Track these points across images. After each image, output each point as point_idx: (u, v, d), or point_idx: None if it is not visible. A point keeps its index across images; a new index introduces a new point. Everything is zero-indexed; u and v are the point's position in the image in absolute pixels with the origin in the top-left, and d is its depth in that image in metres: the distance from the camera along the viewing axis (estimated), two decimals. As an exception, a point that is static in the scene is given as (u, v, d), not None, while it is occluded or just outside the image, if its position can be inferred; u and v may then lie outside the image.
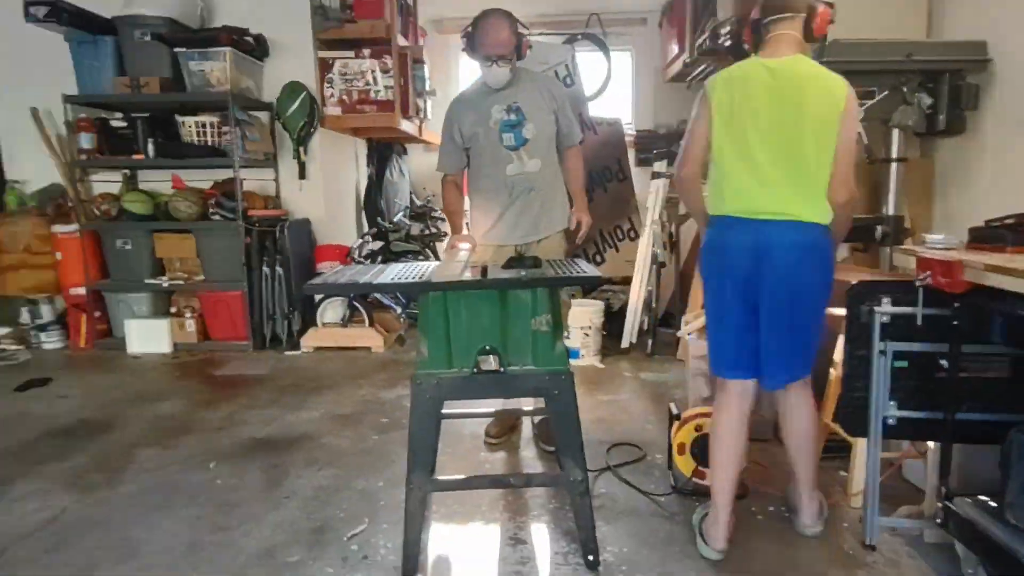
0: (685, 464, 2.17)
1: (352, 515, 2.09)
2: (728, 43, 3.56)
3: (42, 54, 4.31)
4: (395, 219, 4.95)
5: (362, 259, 4.32)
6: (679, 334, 3.06)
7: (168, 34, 4.07)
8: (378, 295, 4.35)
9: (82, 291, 4.25)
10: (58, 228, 4.28)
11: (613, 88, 5.16)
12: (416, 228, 4.98)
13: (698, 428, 2.16)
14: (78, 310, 4.28)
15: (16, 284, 4.32)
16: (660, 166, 4.00)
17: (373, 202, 5.14)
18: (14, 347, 4.25)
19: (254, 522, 2.05)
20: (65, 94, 4.11)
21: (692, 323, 2.75)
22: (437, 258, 4.73)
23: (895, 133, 2.38)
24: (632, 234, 4.50)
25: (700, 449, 2.15)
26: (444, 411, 1.85)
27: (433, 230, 5.02)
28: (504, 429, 2.68)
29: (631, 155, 4.91)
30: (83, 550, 1.91)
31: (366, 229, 5.00)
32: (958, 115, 2.37)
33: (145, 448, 2.64)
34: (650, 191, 3.99)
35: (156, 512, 2.12)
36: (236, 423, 2.92)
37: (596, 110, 4.70)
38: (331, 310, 4.26)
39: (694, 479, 2.16)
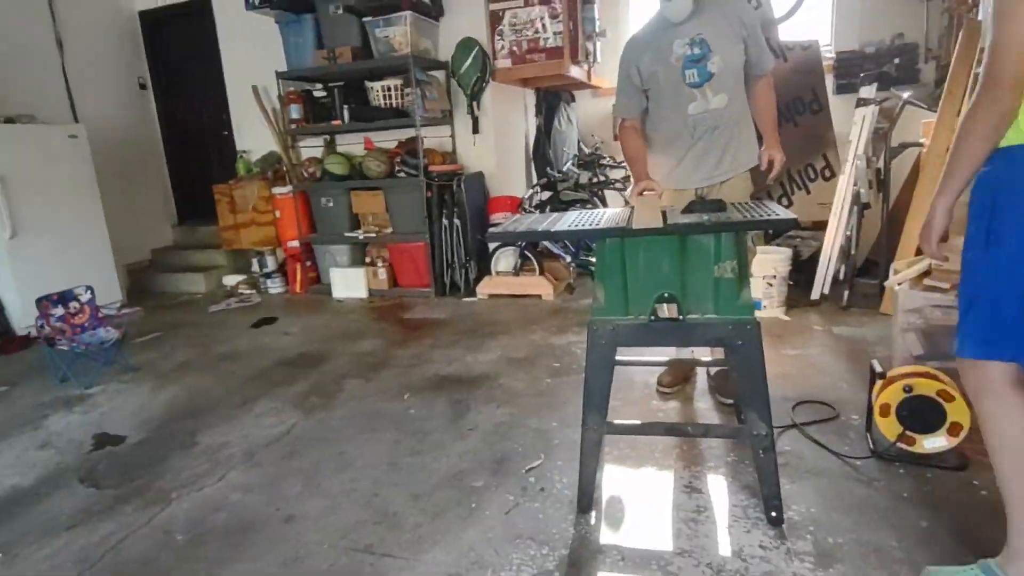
0: (889, 427, 1.94)
1: (529, 450, 2.21)
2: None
3: (259, 37, 4.94)
4: (564, 168, 4.95)
5: (532, 209, 4.42)
6: (887, 284, 2.70)
7: (357, 5, 4.40)
8: (548, 244, 4.44)
9: (296, 244, 4.92)
10: (276, 190, 4.97)
11: (808, 6, 4.53)
12: (584, 177, 4.94)
13: (907, 389, 1.91)
14: (294, 260, 4.98)
15: (248, 239, 5.13)
16: (868, 91, 3.47)
17: (542, 152, 5.19)
18: (248, 291, 5.09)
19: (443, 449, 2.27)
20: (278, 71, 4.67)
21: (904, 271, 2.40)
22: (605, 206, 4.67)
23: None
24: (827, 173, 4.01)
25: (908, 412, 1.91)
26: (617, 357, 1.84)
27: (601, 178, 4.95)
28: (678, 379, 2.62)
29: (829, 82, 4.32)
30: (309, 459, 2.27)
31: (535, 180, 5.08)
32: None
33: (352, 379, 3.03)
34: (854, 121, 3.50)
35: (363, 433, 2.44)
36: (424, 361, 3.21)
37: (787, 34, 4.19)
38: (504, 259, 4.45)
39: (899, 444, 1.93)
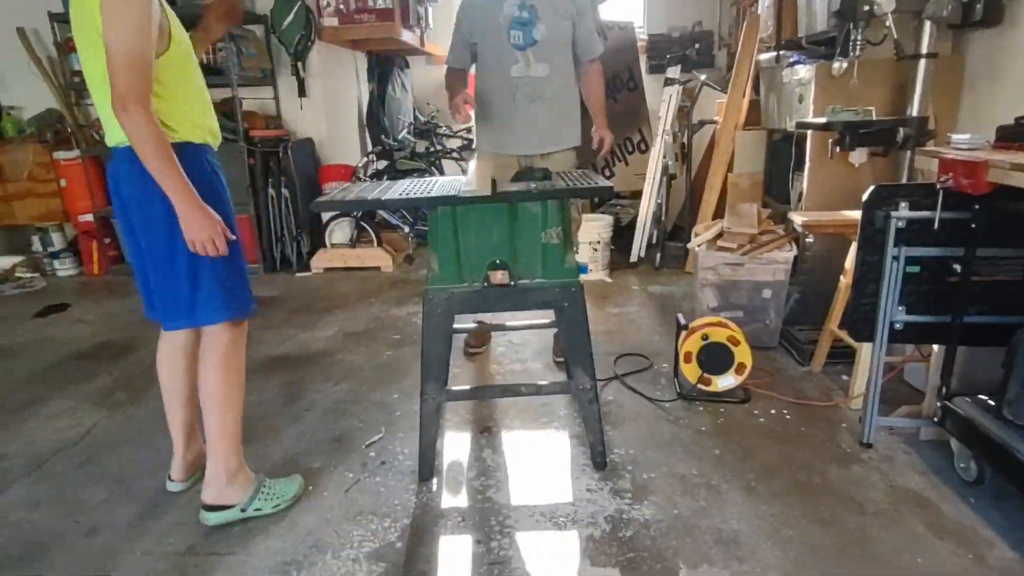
0: (691, 371, 2.22)
1: (369, 425, 2.18)
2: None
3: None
4: (399, 136, 4.83)
5: (367, 178, 4.27)
6: (689, 246, 3.04)
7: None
8: (385, 214, 4.33)
9: (90, 218, 4.26)
10: (60, 155, 4.22)
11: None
12: (421, 146, 4.87)
13: (705, 337, 2.19)
14: (88, 237, 4.31)
15: (24, 213, 4.33)
16: (673, 72, 3.82)
17: (376, 119, 5.00)
18: (29, 274, 4.32)
19: (275, 434, 2.15)
20: (51, 11, 3.93)
21: (702, 235, 2.72)
22: (443, 175, 4.65)
23: (927, 25, 2.21)
24: (642, 146, 4.38)
25: (706, 357, 2.20)
26: (455, 325, 1.87)
27: (438, 147, 4.91)
28: (483, 339, 2.74)
29: (643, 61, 4.68)
30: (116, 462, 2.02)
31: (370, 147, 4.90)
32: (996, 3, 2.21)
33: (167, 367, 2.73)
34: (662, 99, 3.84)
35: (183, 425, 2.22)
36: (253, 342, 2.95)
37: (607, 13, 4.44)
38: (339, 231, 4.26)
39: (699, 385, 2.22)
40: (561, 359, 2.63)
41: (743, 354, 2.18)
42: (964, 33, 2.50)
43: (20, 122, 4.43)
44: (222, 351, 1.67)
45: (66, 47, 4.02)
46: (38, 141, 4.29)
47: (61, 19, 3.97)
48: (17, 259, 4.38)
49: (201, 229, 1.49)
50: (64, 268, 4.38)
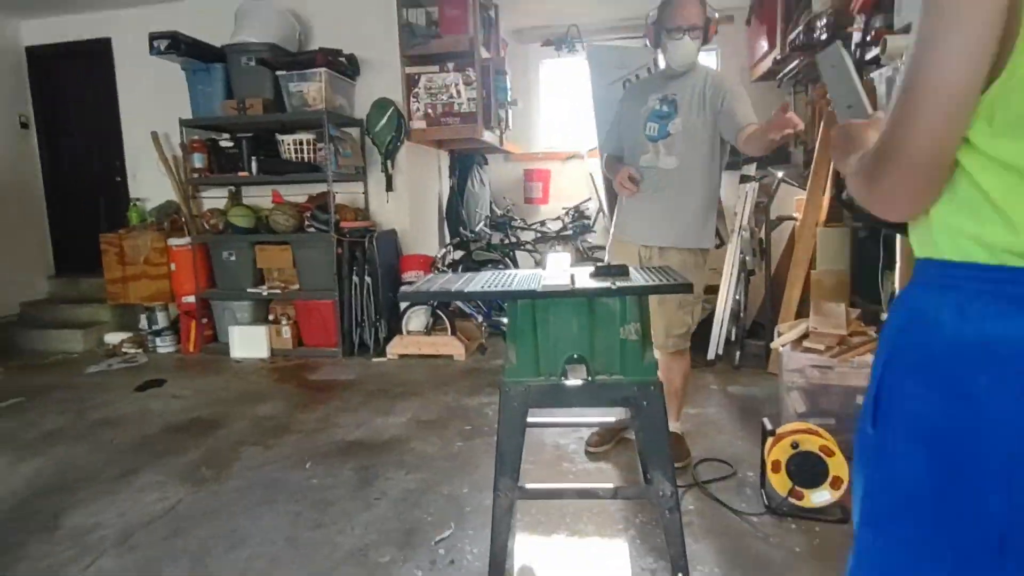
0: (780, 483, 2.07)
1: (439, 519, 2.14)
2: (825, 36, 3.38)
3: (162, 83, 4.76)
4: (476, 229, 5.04)
5: (445, 268, 4.44)
6: (773, 345, 2.92)
7: (270, 58, 4.37)
8: (460, 304, 4.45)
9: (192, 299, 4.62)
10: (173, 241, 4.68)
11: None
12: (496, 237, 5.05)
13: (795, 445, 2.05)
14: (188, 317, 4.65)
15: (136, 293, 4.76)
16: (749, 169, 3.85)
17: (455, 212, 5.27)
18: (133, 350, 4.67)
19: (347, 520, 2.15)
20: (181, 118, 4.50)
21: (787, 334, 2.61)
22: (517, 267, 4.78)
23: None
24: (717, 241, 4.34)
25: (796, 467, 2.05)
26: (528, 420, 1.85)
27: (513, 239, 5.08)
28: (605, 438, 2.65)
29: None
30: (197, 538, 2.07)
31: (448, 239, 5.13)
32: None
33: (249, 446, 2.83)
34: (739, 196, 3.85)
35: (260, 506, 2.27)
36: (329, 425, 3.06)
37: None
38: (415, 318, 4.40)
39: (790, 499, 2.05)
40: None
41: (838, 467, 2.02)
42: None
43: (144, 212, 4.98)
44: None
45: (189, 147, 4.54)
46: (156, 229, 4.78)
47: (189, 124, 4.53)
48: (125, 335, 4.78)
49: None
50: (164, 345, 4.71)
